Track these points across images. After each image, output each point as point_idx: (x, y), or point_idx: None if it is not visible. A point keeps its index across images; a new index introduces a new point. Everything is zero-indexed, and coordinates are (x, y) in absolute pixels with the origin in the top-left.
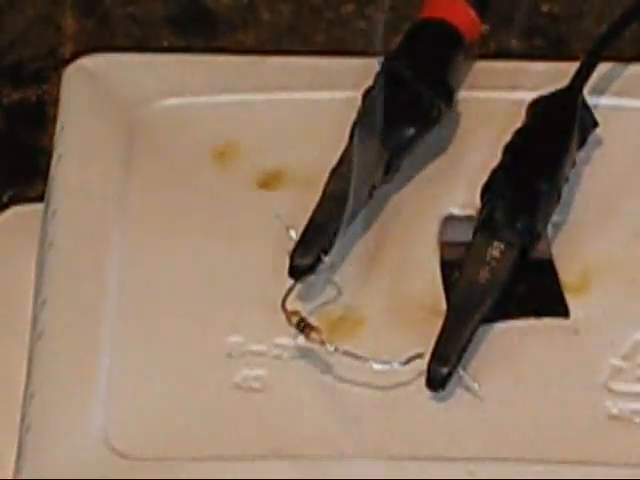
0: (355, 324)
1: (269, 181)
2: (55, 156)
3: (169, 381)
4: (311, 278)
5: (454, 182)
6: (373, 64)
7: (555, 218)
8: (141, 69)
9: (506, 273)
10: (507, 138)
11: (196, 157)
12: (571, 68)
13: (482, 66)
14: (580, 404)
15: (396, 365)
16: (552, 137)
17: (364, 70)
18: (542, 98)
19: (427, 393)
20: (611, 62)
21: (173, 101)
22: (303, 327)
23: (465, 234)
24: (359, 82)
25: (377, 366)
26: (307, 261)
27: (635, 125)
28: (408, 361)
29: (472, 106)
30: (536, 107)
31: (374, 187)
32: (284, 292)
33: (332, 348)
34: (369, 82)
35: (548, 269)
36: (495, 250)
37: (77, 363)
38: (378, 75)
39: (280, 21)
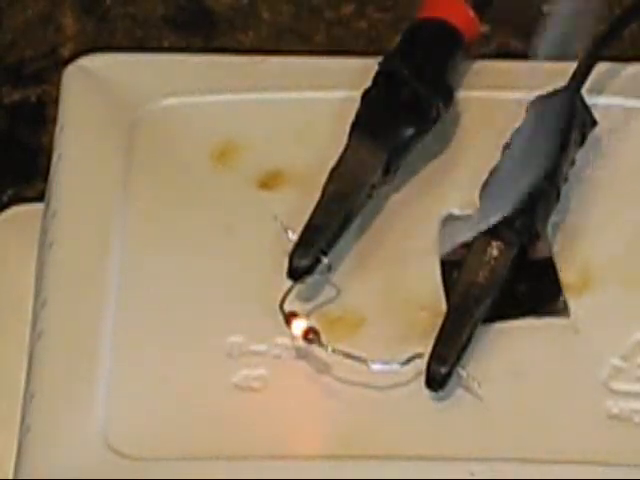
0: (354, 324)
1: (269, 181)
2: (55, 156)
3: (169, 381)
4: (310, 279)
5: (454, 182)
6: (373, 64)
7: (555, 218)
8: (141, 69)
9: (506, 273)
10: (507, 138)
11: (196, 157)
12: (571, 68)
13: (482, 66)
14: (580, 404)
15: (395, 365)
16: (552, 137)
17: (364, 70)
18: (542, 98)
19: (427, 393)
20: (611, 62)
21: (173, 101)
22: (301, 328)
23: (465, 234)
24: (359, 82)
25: (376, 367)
26: (306, 262)
27: (635, 125)
28: (407, 361)
29: (472, 106)
30: (536, 107)
31: (374, 187)
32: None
33: (331, 349)
34: (369, 82)
35: (548, 269)
36: (495, 250)
37: (77, 363)
38: (377, 75)
39: (280, 21)
